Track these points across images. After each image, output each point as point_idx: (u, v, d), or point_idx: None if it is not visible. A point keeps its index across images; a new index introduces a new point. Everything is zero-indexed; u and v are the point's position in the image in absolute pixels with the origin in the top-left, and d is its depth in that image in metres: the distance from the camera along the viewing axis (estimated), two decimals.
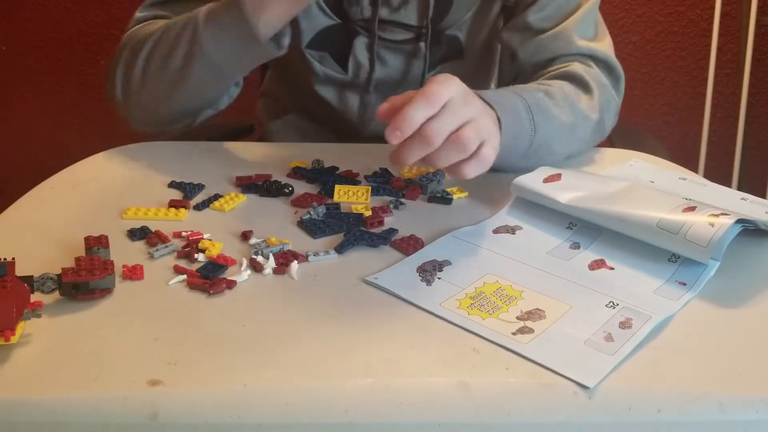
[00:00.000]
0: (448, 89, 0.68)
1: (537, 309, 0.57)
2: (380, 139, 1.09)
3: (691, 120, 2.07)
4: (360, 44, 1.00)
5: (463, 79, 0.71)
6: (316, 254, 0.65)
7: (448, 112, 0.67)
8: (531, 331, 0.55)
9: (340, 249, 0.66)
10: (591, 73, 0.91)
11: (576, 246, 0.67)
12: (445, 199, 0.78)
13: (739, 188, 2.02)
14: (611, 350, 0.52)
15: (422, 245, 0.67)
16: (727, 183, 2.00)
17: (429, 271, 0.63)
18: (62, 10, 1.99)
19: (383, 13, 0.97)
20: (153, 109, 0.91)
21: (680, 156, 0.97)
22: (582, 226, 0.69)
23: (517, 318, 0.56)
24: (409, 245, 0.67)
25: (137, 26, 0.92)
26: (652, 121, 2.10)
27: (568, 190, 0.72)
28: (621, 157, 0.94)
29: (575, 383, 0.49)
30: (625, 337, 0.54)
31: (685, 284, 0.61)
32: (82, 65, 2.05)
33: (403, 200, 0.77)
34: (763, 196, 2.12)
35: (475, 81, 1.08)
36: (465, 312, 0.57)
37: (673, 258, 0.64)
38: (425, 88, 0.67)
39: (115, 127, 2.26)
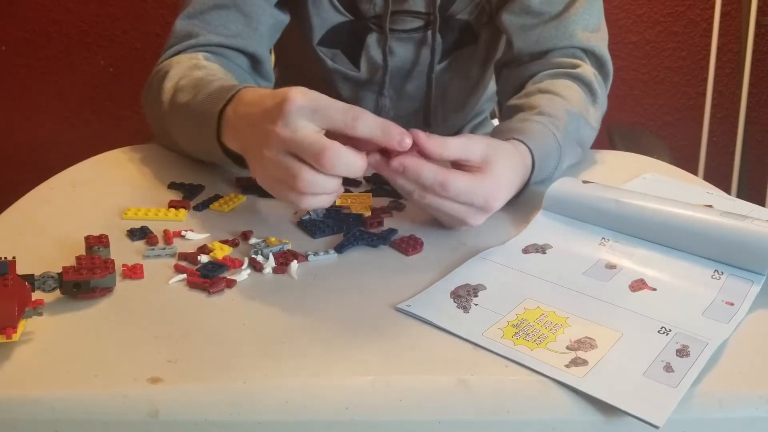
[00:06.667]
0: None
1: (587, 337, 0.54)
2: None
3: (691, 120, 2.08)
4: (372, 41, 0.99)
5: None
6: (315, 254, 0.65)
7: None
8: (585, 362, 0.51)
9: (339, 249, 0.66)
10: (598, 80, 0.90)
11: (611, 266, 0.64)
12: None
13: (739, 188, 2.03)
14: (673, 382, 0.49)
15: (422, 245, 0.67)
16: (727, 183, 2.01)
17: (464, 297, 0.59)
18: (62, 10, 2.00)
19: (393, 5, 0.97)
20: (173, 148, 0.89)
21: (680, 156, 0.97)
22: (615, 242, 0.67)
23: (567, 348, 0.53)
24: (409, 245, 0.67)
25: (169, 59, 0.86)
26: (652, 121, 2.10)
27: (611, 191, 0.70)
28: (628, 161, 0.94)
29: (642, 421, 0.46)
30: (685, 366, 0.51)
31: (732, 304, 0.58)
32: (82, 65, 2.05)
33: (402, 200, 0.78)
34: (763, 196, 2.12)
35: (488, 65, 1.08)
36: (510, 342, 0.53)
37: (716, 275, 0.62)
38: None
39: (115, 128, 2.26)
